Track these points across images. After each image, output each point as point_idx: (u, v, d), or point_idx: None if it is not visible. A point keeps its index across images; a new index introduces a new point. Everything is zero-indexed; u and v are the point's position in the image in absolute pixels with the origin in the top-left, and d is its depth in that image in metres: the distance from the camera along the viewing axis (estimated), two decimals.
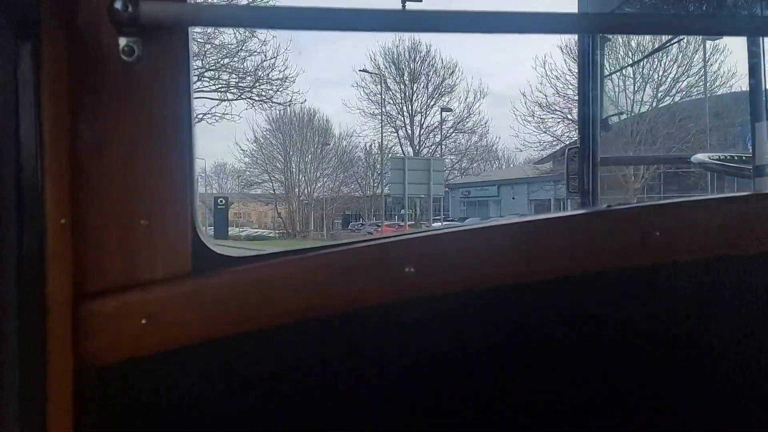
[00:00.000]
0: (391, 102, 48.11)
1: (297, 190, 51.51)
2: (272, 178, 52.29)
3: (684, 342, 1.28)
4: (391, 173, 28.63)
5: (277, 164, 51.50)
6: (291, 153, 50.82)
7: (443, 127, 47.46)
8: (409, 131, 48.53)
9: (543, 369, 1.26)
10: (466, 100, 53.85)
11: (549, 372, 1.26)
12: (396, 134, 48.63)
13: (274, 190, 52.44)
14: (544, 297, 1.25)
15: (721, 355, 1.29)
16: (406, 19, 1.17)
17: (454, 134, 48.29)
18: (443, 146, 47.77)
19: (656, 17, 1.23)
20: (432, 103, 47.86)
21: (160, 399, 1.14)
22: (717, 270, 1.28)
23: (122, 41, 1.09)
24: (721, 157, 2.76)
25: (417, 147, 47.74)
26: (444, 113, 46.90)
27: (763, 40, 2.22)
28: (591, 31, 2.19)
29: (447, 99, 48.43)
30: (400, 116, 48.17)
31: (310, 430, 1.20)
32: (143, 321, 1.11)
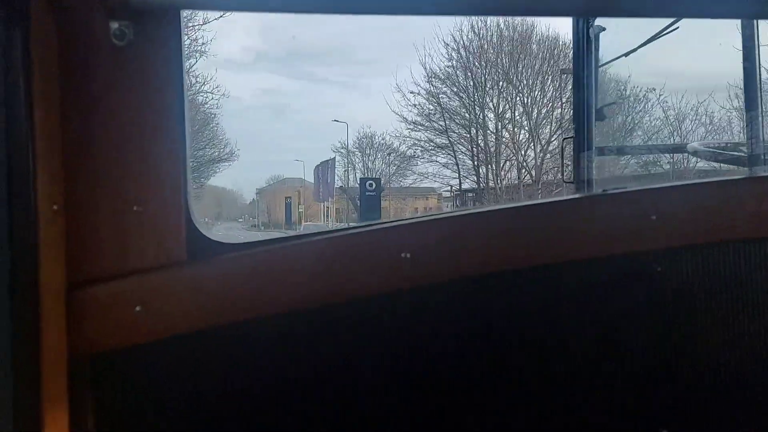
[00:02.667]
0: None
1: (501, 161, 28.36)
2: (452, 140, 28.56)
3: (681, 325, 1.28)
4: None
5: (464, 111, 29.03)
6: (491, 90, 27.91)
7: None
8: None
9: (541, 353, 1.25)
10: None
11: (546, 356, 1.26)
12: None
13: (455, 158, 29.37)
14: (541, 282, 1.24)
15: (717, 337, 1.29)
16: (404, 1, 1.16)
17: None
18: None
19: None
20: None
21: (155, 386, 1.13)
22: (713, 253, 1.28)
23: (113, 25, 1.07)
24: (716, 146, 2.76)
25: None
26: None
27: (757, 23, 2.21)
28: (587, 14, 2.17)
29: None
30: None
31: (307, 416, 1.19)
32: (137, 309, 1.10)
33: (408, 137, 31.26)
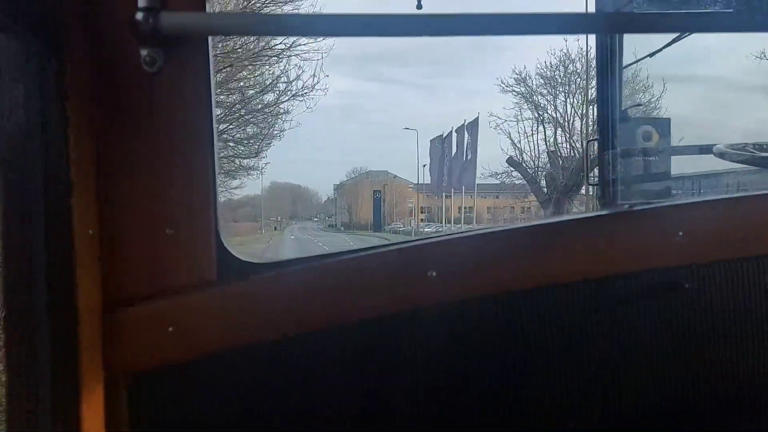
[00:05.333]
0: None
1: None
2: None
3: (711, 343, 1.27)
4: None
5: None
6: None
7: None
8: None
9: (568, 371, 1.26)
10: None
11: (574, 374, 1.26)
12: None
13: None
14: (568, 299, 1.25)
15: (750, 356, 1.28)
16: (420, 23, 1.16)
17: None
18: None
19: (673, 15, 1.21)
20: None
21: (190, 405, 1.16)
22: (744, 268, 1.27)
23: (144, 52, 1.10)
24: (744, 148, 2.71)
25: None
26: None
27: None
28: (608, 31, 2.16)
29: None
30: None
31: None
32: (170, 329, 1.13)
33: None
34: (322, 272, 1.22)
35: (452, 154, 25.64)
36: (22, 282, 1.04)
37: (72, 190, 1.06)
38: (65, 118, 1.05)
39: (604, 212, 1.39)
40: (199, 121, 1.14)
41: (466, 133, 23.99)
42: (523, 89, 23.26)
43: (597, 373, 1.26)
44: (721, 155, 2.83)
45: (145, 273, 1.14)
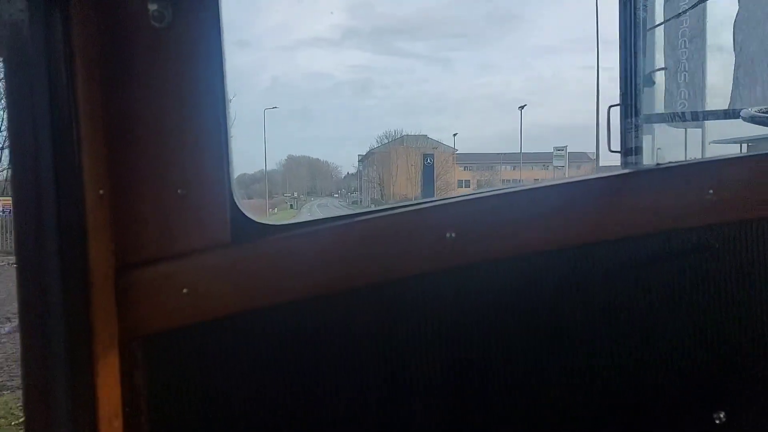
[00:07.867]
0: None
1: None
2: None
3: (740, 302, 1.23)
4: None
5: None
6: None
7: None
8: None
9: (592, 332, 1.23)
10: None
11: (598, 335, 1.23)
12: None
13: None
14: (589, 260, 1.21)
15: None
16: None
17: None
18: None
19: None
20: None
21: (205, 367, 1.14)
22: None
23: (152, 6, 1.06)
24: None
25: None
26: None
27: None
28: None
29: None
30: None
31: (353, 394, 1.19)
32: (184, 291, 1.11)
33: None
34: (338, 234, 1.19)
35: None
36: (34, 244, 1.02)
37: (81, 150, 1.03)
38: (72, 74, 1.02)
39: (629, 170, 1.33)
40: (210, 77, 1.10)
41: None
42: None
43: (626, 332, 1.23)
44: (751, 119, 2.74)
45: (157, 234, 1.11)
